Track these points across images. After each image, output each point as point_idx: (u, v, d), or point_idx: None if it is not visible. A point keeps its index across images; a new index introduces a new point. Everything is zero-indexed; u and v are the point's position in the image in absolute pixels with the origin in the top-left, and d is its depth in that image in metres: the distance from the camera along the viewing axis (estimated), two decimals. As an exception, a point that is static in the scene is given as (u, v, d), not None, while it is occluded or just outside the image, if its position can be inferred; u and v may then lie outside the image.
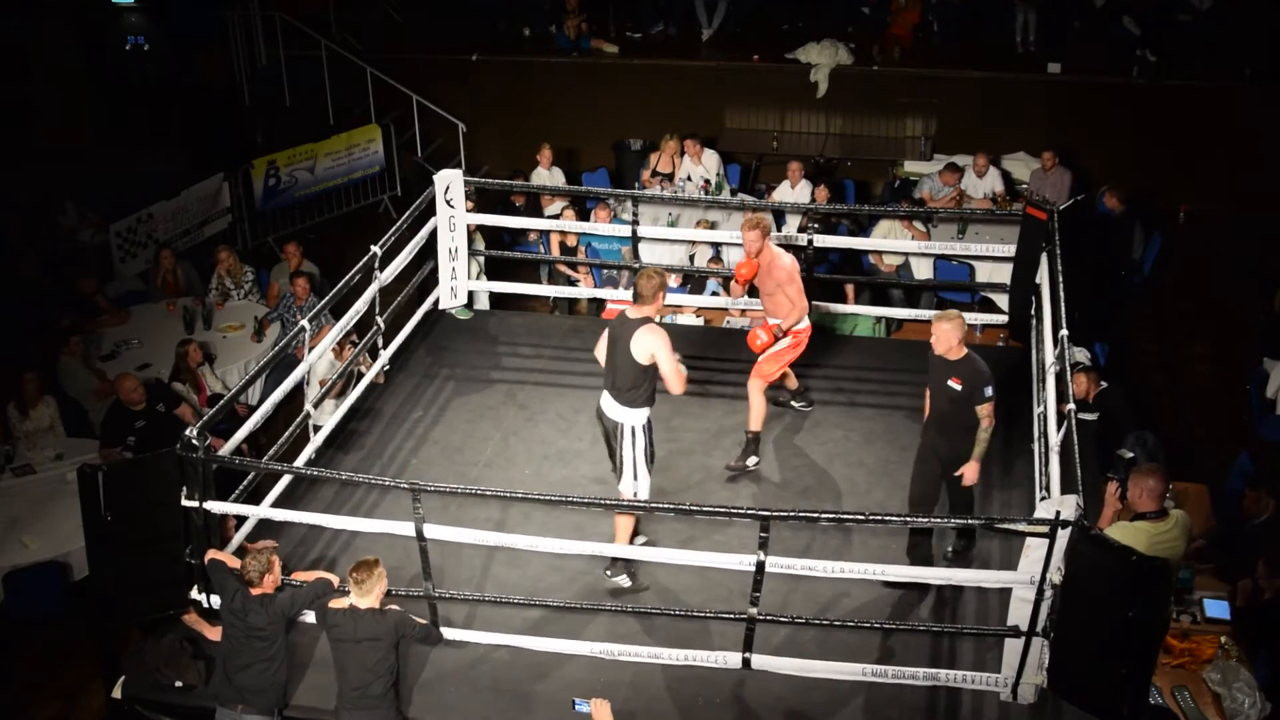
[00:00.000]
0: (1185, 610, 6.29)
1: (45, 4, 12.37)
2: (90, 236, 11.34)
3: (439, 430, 7.76)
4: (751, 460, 7.22)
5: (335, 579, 5.75)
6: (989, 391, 6.04)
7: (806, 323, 7.19)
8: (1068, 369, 6.53)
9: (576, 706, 5.11)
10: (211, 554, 5.84)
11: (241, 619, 5.43)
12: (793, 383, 7.81)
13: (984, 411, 6.09)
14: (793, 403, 7.87)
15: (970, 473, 6.19)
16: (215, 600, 6.06)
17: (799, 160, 11.65)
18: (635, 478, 6.22)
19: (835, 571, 5.65)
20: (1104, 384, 8.16)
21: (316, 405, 7.34)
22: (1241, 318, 10.52)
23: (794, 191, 11.30)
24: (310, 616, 5.68)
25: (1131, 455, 7.36)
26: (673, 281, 10.43)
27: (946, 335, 6.14)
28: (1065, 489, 5.64)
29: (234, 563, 5.80)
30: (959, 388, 6.08)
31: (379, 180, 13.19)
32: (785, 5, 14.41)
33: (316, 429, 7.29)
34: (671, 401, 7.87)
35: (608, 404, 6.20)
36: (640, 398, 6.09)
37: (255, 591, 5.46)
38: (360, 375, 7.95)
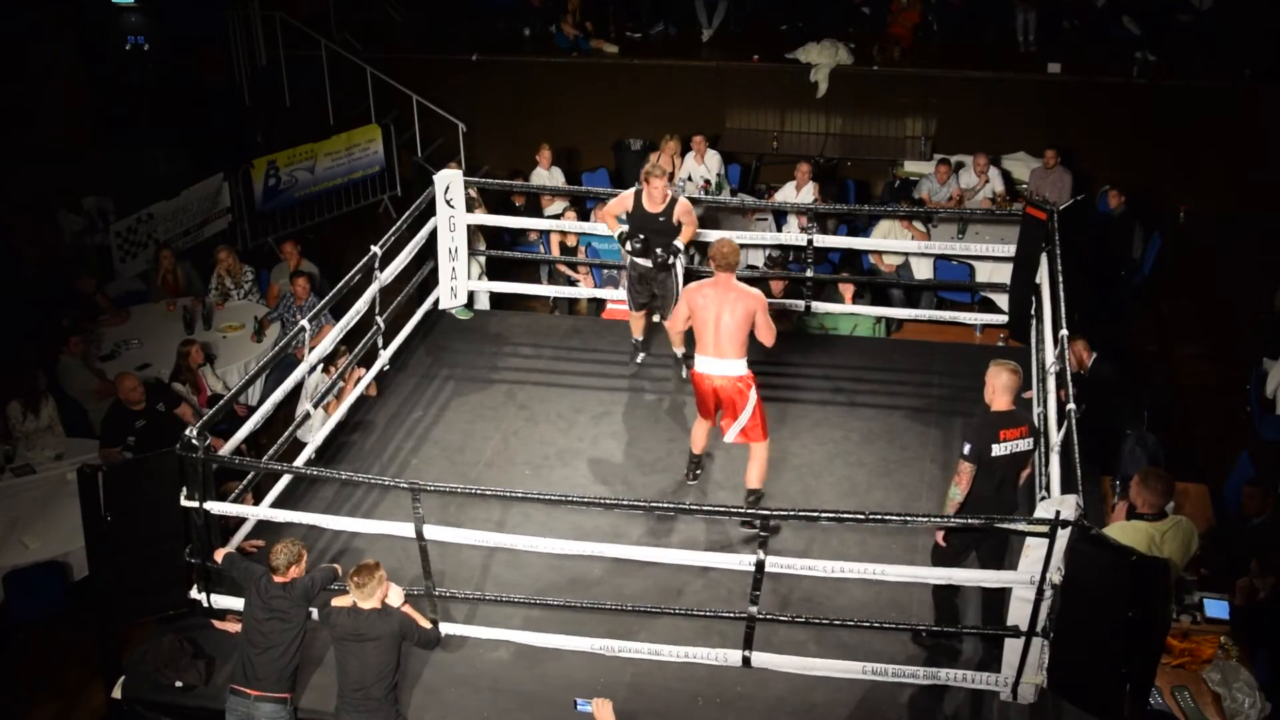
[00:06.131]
0: (1185, 610, 6.29)
1: (45, 4, 12.36)
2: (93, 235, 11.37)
3: (439, 430, 7.76)
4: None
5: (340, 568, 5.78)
6: (965, 449, 5.65)
7: None
8: (1068, 369, 6.52)
9: (579, 706, 5.12)
10: (223, 550, 5.87)
11: (265, 601, 5.44)
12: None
13: (959, 467, 5.72)
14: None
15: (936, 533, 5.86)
16: (216, 600, 6.08)
17: (807, 162, 11.56)
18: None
19: (835, 571, 5.64)
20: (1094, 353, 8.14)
21: (306, 418, 7.29)
22: (1241, 318, 10.52)
23: (799, 194, 11.20)
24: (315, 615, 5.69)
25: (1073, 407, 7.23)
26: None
27: (987, 379, 5.81)
28: (1065, 489, 5.64)
29: (249, 548, 5.83)
30: None
31: (379, 180, 13.19)
32: (785, 5, 14.41)
33: (304, 446, 7.24)
34: (671, 401, 7.91)
35: None
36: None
37: (279, 579, 5.47)
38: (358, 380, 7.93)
